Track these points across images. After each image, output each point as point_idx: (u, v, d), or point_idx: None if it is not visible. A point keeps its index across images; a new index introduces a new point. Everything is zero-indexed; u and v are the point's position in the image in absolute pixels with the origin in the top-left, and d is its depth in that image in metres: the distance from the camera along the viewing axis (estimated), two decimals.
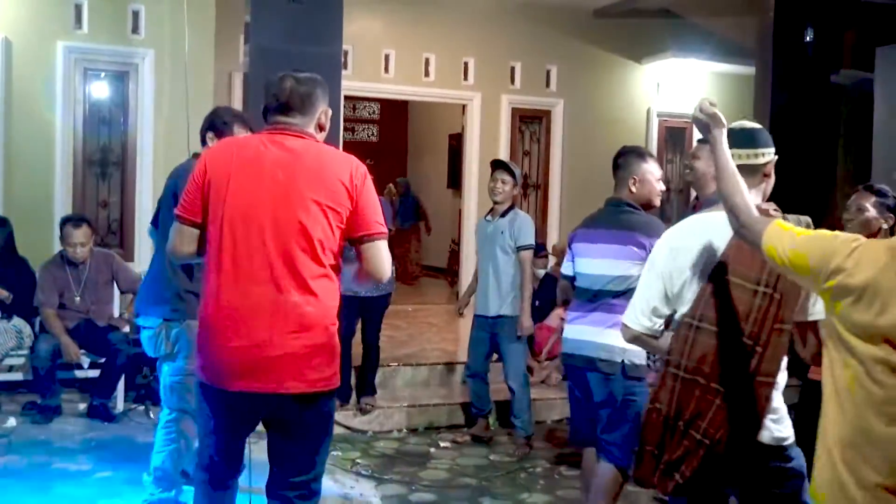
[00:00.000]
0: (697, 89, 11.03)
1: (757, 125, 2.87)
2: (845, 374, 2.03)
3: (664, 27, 10.60)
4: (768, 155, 2.79)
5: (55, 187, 7.50)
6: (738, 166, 2.55)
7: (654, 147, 10.62)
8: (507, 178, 5.86)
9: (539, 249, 7.34)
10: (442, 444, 6.12)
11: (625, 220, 4.05)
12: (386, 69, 9.80)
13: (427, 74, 9.96)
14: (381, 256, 2.95)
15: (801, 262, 2.14)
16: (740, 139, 2.73)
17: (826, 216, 4.34)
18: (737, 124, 2.81)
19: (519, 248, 5.81)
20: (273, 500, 3.03)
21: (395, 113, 15.08)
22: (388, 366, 6.94)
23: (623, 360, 3.93)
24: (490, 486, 5.33)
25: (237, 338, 2.82)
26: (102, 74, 7.79)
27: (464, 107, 10.36)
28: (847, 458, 2.02)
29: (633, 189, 4.07)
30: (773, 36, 8.12)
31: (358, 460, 5.65)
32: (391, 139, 15.27)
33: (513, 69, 10.30)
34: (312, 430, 2.97)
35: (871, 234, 4.18)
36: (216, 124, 4.07)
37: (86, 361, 6.21)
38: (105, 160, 7.76)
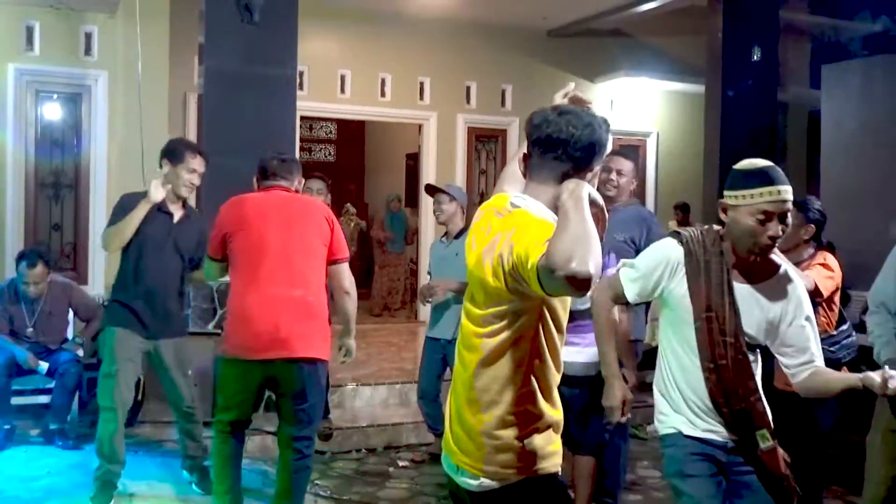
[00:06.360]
0: (650, 107, 11.21)
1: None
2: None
3: (617, 47, 10.77)
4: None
5: (6, 210, 7.40)
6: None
7: None
8: (444, 197, 5.88)
9: None
10: (401, 464, 6.10)
11: None
12: (342, 89, 9.85)
13: (383, 94, 10.02)
14: (345, 274, 4.26)
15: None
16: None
17: None
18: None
19: None
20: None
21: (351, 133, 15.10)
22: (347, 386, 6.93)
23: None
24: None
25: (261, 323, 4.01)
26: (55, 96, 7.73)
27: (420, 126, 10.43)
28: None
29: None
30: (722, 55, 8.30)
31: (317, 481, 5.61)
32: (348, 159, 15.27)
33: (468, 89, 10.40)
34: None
35: (795, 245, 4.34)
36: (169, 153, 4.69)
37: (44, 366, 6.02)
38: (58, 183, 7.68)
